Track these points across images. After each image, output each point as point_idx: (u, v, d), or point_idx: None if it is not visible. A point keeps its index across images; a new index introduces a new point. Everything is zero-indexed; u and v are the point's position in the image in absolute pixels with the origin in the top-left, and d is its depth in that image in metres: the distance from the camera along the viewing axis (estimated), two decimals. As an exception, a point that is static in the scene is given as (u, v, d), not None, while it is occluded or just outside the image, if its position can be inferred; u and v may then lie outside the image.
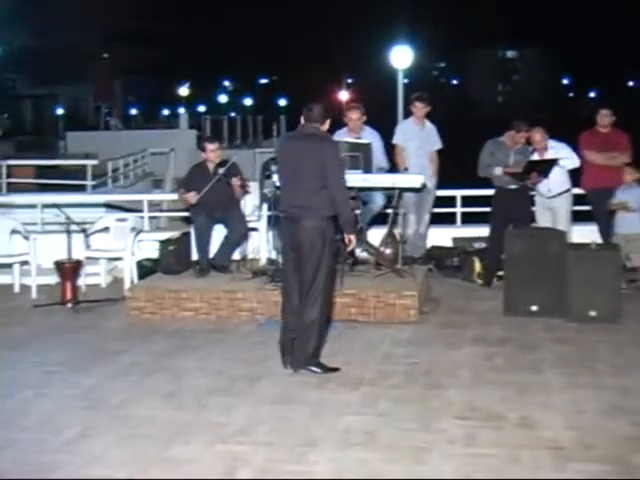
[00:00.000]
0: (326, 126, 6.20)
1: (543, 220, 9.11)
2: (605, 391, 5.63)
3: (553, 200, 8.98)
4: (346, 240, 6.12)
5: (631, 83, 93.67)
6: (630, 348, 6.72)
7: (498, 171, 8.80)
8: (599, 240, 8.76)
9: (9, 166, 18.18)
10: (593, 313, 7.47)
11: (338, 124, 8.86)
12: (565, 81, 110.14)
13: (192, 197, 8.46)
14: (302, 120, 6.21)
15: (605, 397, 5.50)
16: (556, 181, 8.86)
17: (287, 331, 6.16)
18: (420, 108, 9.42)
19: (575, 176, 9.21)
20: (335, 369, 6.11)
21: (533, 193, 9.16)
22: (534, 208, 9.24)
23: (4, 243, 9.36)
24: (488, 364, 6.30)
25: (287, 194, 6.16)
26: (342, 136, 8.70)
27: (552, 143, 8.93)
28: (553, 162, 8.73)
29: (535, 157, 8.88)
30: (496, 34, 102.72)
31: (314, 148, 5.99)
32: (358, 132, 8.76)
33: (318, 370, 6.05)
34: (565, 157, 8.84)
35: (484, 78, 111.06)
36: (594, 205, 9.23)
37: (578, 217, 9.60)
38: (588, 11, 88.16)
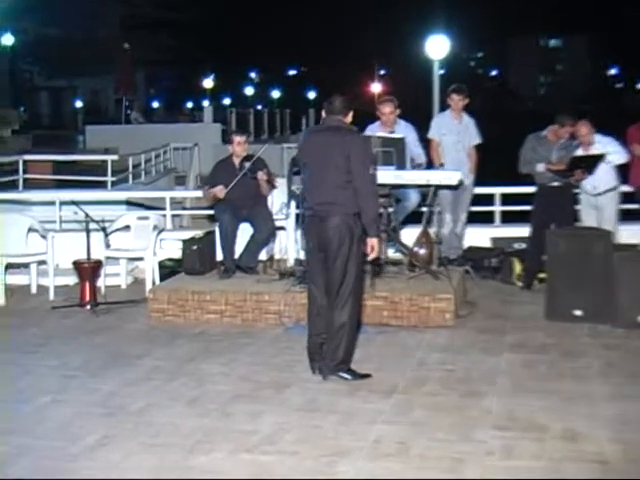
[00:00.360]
0: (349, 118, 6.22)
1: (588, 219, 9.04)
2: (654, 401, 5.59)
3: (599, 198, 8.92)
4: (368, 246, 6.03)
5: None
6: (681, 356, 6.66)
7: (540, 167, 8.75)
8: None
9: (25, 161, 18.34)
10: (641, 318, 7.41)
11: (370, 118, 8.88)
12: (613, 71, 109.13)
13: (220, 191, 8.50)
14: (323, 114, 6.26)
15: (654, 408, 5.46)
16: (602, 178, 8.80)
17: (315, 335, 6.18)
18: (457, 101, 9.40)
19: (624, 173, 9.13)
20: (366, 375, 6.12)
21: (577, 191, 9.10)
22: (578, 207, 9.18)
23: (21, 242, 9.46)
24: (529, 372, 6.27)
25: (312, 190, 6.17)
26: (374, 130, 8.71)
27: (598, 137, 8.86)
28: (599, 158, 8.66)
29: (580, 152, 8.82)
30: (538, 21, 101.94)
31: (339, 141, 6.01)
32: (391, 126, 8.75)
33: (348, 376, 6.06)
34: (612, 152, 8.77)
35: (525, 69, 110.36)
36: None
37: (627, 216, 9.51)
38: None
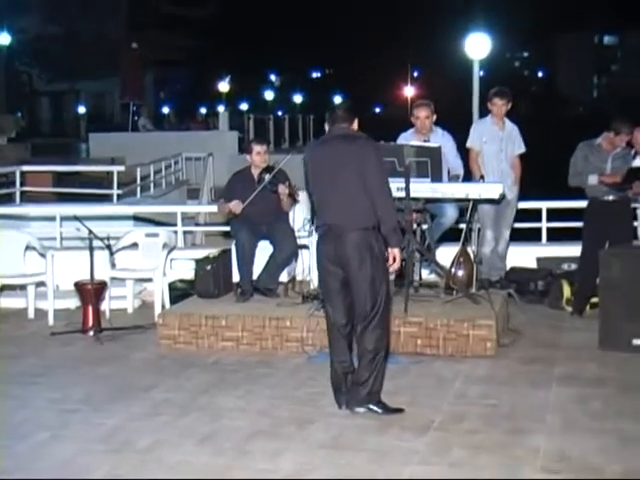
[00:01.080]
0: (355, 126, 6.31)
1: (647, 237, 9.00)
2: None
3: (659, 214, 8.88)
4: (390, 257, 6.13)
5: None
6: None
7: (593, 180, 8.72)
8: None
9: (23, 172, 18.49)
10: None
11: (404, 124, 8.89)
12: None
13: (236, 206, 8.55)
14: (327, 126, 6.36)
15: None
16: (663, 191, 8.75)
17: (338, 363, 6.20)
18: (500, 105, 9.39)
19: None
20: (399, 410, 6.12)
21: (635, 205, 9.06)
22: (636, 223, 9.14)
23: (17, 261, 9.54)
24: (582, 408, 6.23)
25: (325, 206, 6.21)
26: (408, 138, 8.74)
27: None
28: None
29: (638, 163, 8.78)
30: (591, 16, 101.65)
31: (351, 149, 6.10)
32: (426, 134, 8.78)
33: (379, 410, 6.06)
34: None
35: (576, 69, 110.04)
36: None
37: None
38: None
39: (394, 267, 6.23)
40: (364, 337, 6.05)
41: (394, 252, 6.12)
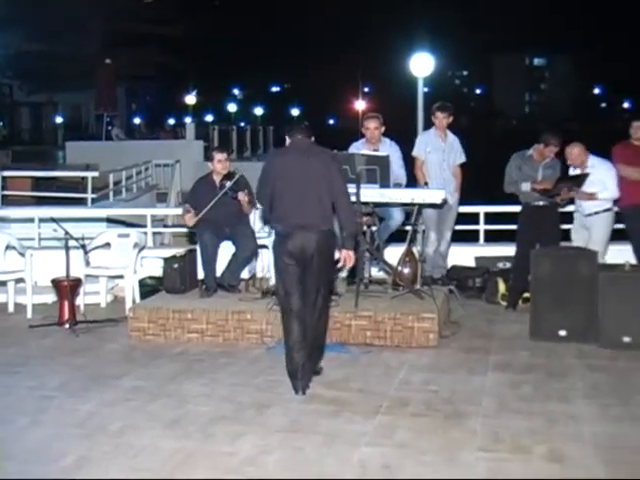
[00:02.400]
0: (312, 140, 6.53)
1: (578, 239, 9.05)
2: (640, 423, 5.59)
3: (589, 218, 8.92)
4: (343, 255, 6.29)
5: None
6: (667, 377, 6.68)
7: (526, 187, 8.79)
8: (634, 261, 8.71)
9: (4, 177, 18.25)
10: (627, 339, 7.43)
11: (355, 134, 8.89)
12: (597, 90, 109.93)
13: (190, 219, 8.51)
14: (287, 138, 6.53)
15: (640, 429, 5.46)
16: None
17: (296, 352, 6.21)
18: (442, 118, 9.42)
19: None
20: (321, 368, 6.57)
21: (569, 210, 9.15)
22: (571, 225, 9.22)
23: (-2, 259, 9.40)
24: (514, 392, 6.27)
25: (291, 209, 6.24)
26: (359, 148, 8.74)
27: (595, 161, 8.85)
28: (584, 177, 8.71)
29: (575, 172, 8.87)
30: (523, 40, 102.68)
31: (314, 159, 6.27)
32: (376, 143, 8.78)
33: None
34: (603, 189, 8.74)
35: (510, 87, 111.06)
36: (628, 223, 9.17)
37: (619, 236, 9.48)
38: (623, 16, 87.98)
39: (348, 266, 6.47)
40: (320, 320, 6.33)
41: (349, 254, 6.30)
